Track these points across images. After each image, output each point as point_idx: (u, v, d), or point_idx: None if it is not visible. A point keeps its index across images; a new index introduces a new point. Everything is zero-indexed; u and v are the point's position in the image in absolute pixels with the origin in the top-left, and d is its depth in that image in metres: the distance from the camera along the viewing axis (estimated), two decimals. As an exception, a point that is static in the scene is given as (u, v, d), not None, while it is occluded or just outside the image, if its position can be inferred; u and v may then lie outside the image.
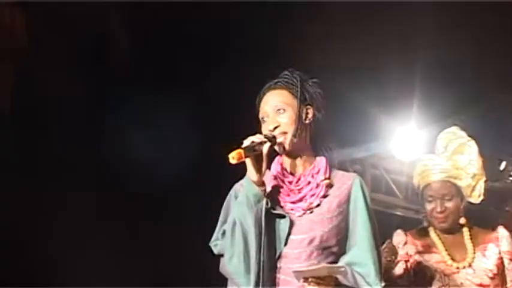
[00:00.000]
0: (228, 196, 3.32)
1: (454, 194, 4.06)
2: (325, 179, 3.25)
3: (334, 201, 3.23)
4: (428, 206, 4.10)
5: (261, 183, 3.16)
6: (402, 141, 7.24)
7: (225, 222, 3.27)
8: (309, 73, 3.33)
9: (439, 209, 4.05)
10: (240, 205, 3.16)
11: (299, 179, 3.27)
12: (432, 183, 4.08)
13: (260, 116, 3.31)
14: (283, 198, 3.25)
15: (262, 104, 3.31)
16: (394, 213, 8.14)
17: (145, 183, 5.36)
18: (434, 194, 4.08)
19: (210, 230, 3.32)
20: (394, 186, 8.32)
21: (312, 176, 3.27)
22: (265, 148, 3.13)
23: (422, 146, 6.54)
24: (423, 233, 4.16)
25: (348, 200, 3.24)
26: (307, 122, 3.27)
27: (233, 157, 2.99)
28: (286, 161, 3.32)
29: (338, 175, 3.29)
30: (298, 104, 3.22)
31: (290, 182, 3.28)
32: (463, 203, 4.10)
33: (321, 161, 3.29)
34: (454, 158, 4.11)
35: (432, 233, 4.14)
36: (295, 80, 3.27)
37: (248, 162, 3.13)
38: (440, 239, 4.10)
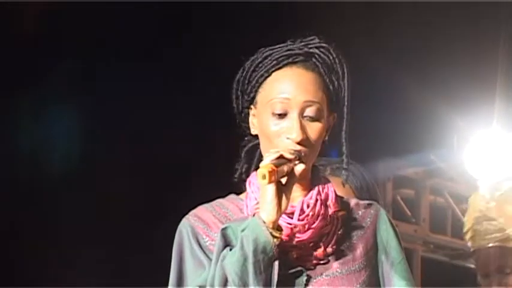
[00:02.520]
0: (178, 238, 2.76)
1: None
2: (339, 210, 2.77)
3: (358, 244, 2.77)
4: (482, 281, 3.78)
5: (276, 228, 2.65)
6: (480, 152, 6.29)
7: (179, 280, 2.71)
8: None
9: None
10: (239, 262, 2.63)
11: (302, 211, 2.71)
12: (481, 249, 3.79)
13: (268, 104, 2.71)
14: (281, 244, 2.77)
15: (275, 85, 2.70)
16: (466, 265, 7.21)
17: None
18: (487, 267, 3.78)
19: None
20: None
21: (322, 205, 2.73)
22: (299, 169, 2.65)
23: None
24: None
25: (374, 243, 2.78)
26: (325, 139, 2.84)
27: (264, 175, 2.51)
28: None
29: (351, 204, 2.86)
30: (329, 109, 2.73)
31: (289, 216, 2.70)
32: None
33: (322, 182, 2.80)
34: (508, 209, 3.83)
35: None
36: (334, 63, 2.71)
37: (269, 189, 2.61)
38: None
